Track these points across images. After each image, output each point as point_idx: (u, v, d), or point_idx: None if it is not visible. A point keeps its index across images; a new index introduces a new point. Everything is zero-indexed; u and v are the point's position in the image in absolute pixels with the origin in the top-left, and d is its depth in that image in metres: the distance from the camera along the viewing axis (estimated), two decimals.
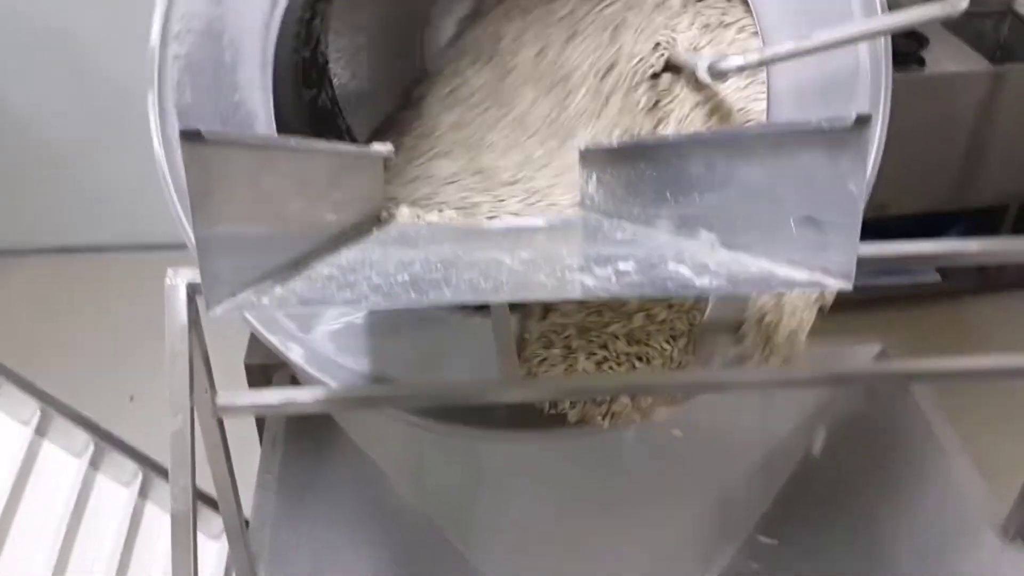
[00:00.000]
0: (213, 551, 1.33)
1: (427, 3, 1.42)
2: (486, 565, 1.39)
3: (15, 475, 1.07)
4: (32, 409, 1.13)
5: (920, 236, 0.84)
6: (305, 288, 0.63)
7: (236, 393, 0.85)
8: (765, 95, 0.93)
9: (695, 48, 0.98)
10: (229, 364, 1.19)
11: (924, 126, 2.17)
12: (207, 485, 0.99)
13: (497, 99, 1.19)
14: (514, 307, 1.05)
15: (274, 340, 1.04)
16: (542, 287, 0.64)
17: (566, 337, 1.00)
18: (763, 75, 0.94)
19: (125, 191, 2.42)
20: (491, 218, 0.99)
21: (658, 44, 0.99)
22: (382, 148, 0.97)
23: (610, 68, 1.04)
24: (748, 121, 0.95)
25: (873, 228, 0.72)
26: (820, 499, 1.19)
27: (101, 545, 1.15)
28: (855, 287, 0.62)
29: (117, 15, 2.24)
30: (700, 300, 0.98)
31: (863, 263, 0.62)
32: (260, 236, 0.67)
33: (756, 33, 0.93)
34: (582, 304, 1.00)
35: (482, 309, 1.13)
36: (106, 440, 1.20)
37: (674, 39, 0.99)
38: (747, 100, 0.97)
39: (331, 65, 1.36)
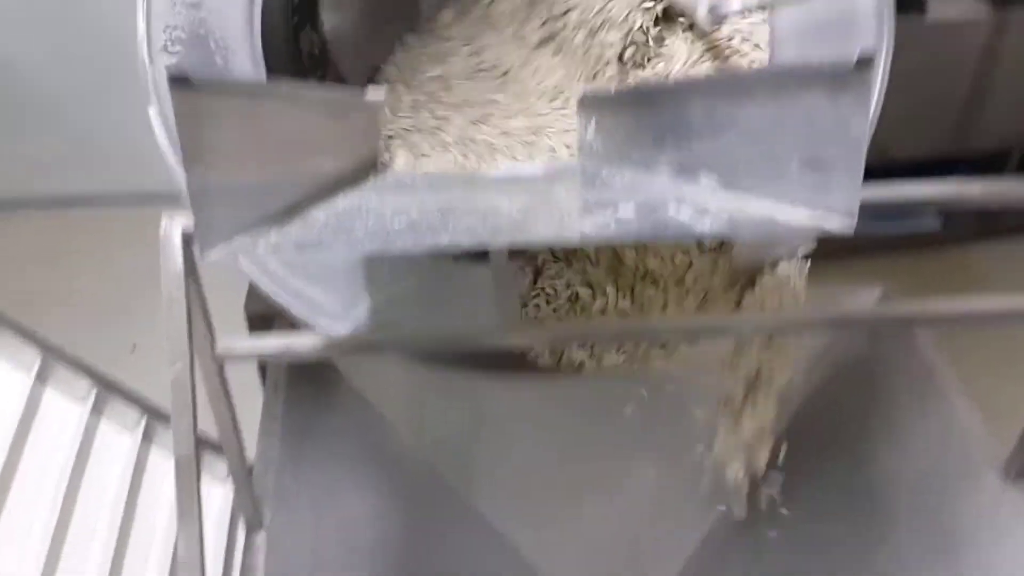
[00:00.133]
0: (219, 495, 1.34)
1: None
2: (488, 510, 1.40)
3: (17, 422, 1.08)
4: (33, 356, 1.13)
5: None
6: (301, 233, 0.62)
7: (236, 339, 0.86)
8: (766, 41, 0.92)
9: None
10: (230, 313, 1.19)
11: (926, 71, 2.15)
12: (212, 430, 0.99)
13: (492, 51, 1.17)
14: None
15: (272, 289, 1.04)
16: (541, 232, 0.64)
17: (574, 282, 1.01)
18: (764, 20, 0.92)
19: (126, 141, 2.39)
20: (489, 166, 0.98)
21: None
22: (377, 94, 0.96)
23: (607, 17, 1.03)
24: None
25: (874, 176, 0.72)
26: (821, 442, 1.19)
27: (106, 490, 1.16)
28: (856, 234, 0.62)
29: None
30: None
31: (864, 206, 0.62)
32: (254, 182, 0.66)
33: None
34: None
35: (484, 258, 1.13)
36: (108, 387, 1.21)
37: None
38: (749, 47, 0.96)
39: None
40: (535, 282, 1.08)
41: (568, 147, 0.98)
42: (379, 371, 1.19)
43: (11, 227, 2.67)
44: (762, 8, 0.88)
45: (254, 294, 1.22)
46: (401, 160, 0.92)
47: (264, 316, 1.20)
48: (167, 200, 0.72)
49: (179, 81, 0.54)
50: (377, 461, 1.28)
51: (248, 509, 1.06)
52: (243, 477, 1.03)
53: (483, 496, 1.37)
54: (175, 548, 0.93)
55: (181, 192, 0.77)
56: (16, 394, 1.11)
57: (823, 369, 1.23)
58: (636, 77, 1.01)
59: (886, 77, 0.89)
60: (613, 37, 1.01)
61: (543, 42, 1.07)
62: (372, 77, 1.24)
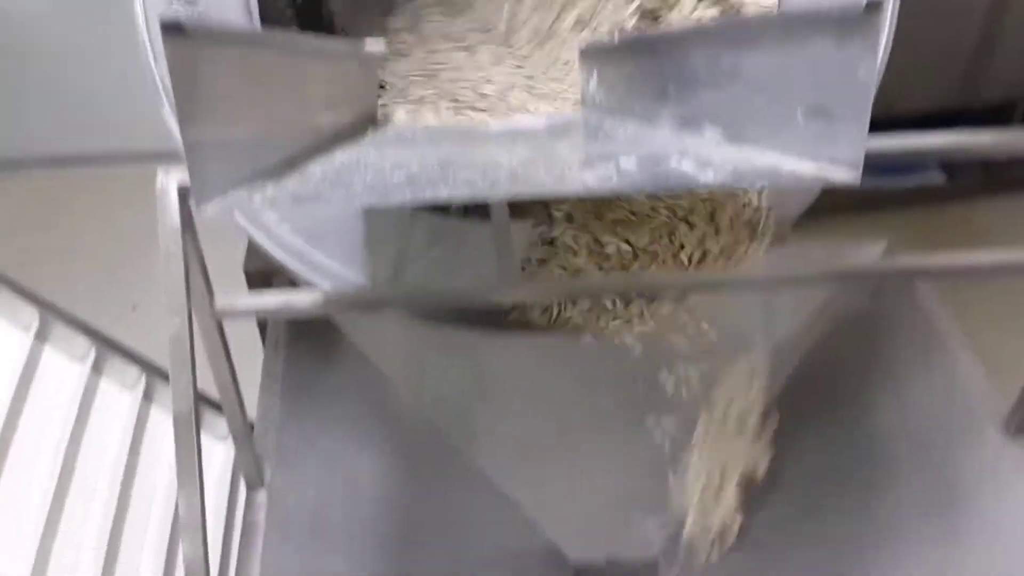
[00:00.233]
0: (219, 454, 1.34)
1: None
2: (488, 467, 1.40)
3: (16, 381, 1.07)
4: (31, 315, 1.12)
5: None
6: (298, 186, 0.62)
7: (235, 296, 0.85)
8: None
9: None
10: (231, 274, 1.19)
11: (933, 20, 2.12)
12: (212, 389, 0.99)
13: (491, 6, 1.16)
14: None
15: (272, 248, 1.04)
16: (541, 184, 0.63)
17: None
18: None
19: (126, 99, 2.37)
20: (490, 120, 0.97)
21: None
22: (376, 46, 0.94)
23: None
24: None
25: (880, 130, 0.71)
26: (822, 397, 1.19)
27: (106, 449, 1.16)
28: (860, 189, 0.61)
29: None
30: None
31: (870, 159, 0.61)
32: (250, 136, 0.65)
33: None
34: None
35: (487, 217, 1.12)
36: (108, 345, 1.20)
37: None
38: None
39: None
40: (543, 243, 1.08)
41: (571, 102, 0.97)
42: (380, 329, 1.19)
43: (11, 186, 2.65)
44: None
45: (253, 252, 1.21)
46: (401, 114, 0.90)
47: (263, 273, 1.20)
48: (171, 159, 0.72)
49: (172, 29, 0.53)
50: (378, 419, 1.28)
51: (249, 467, 1.06)
52: (243, 435, 1.03)
53: (483, 453, 1.38)
54: (176, 507, 0.93)
55: (179, 148, 0.76)
56: (15, 353, 1.10)
57: (824, 324, 1.22)
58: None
59: (894, 23, 0.88)
60: None
61: None
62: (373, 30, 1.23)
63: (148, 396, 1.26)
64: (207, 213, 0.57)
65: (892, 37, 0.88)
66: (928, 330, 1.17)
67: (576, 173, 0.64)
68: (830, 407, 1.20)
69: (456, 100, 0.96)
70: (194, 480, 0.83)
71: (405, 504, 1.27)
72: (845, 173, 0.60)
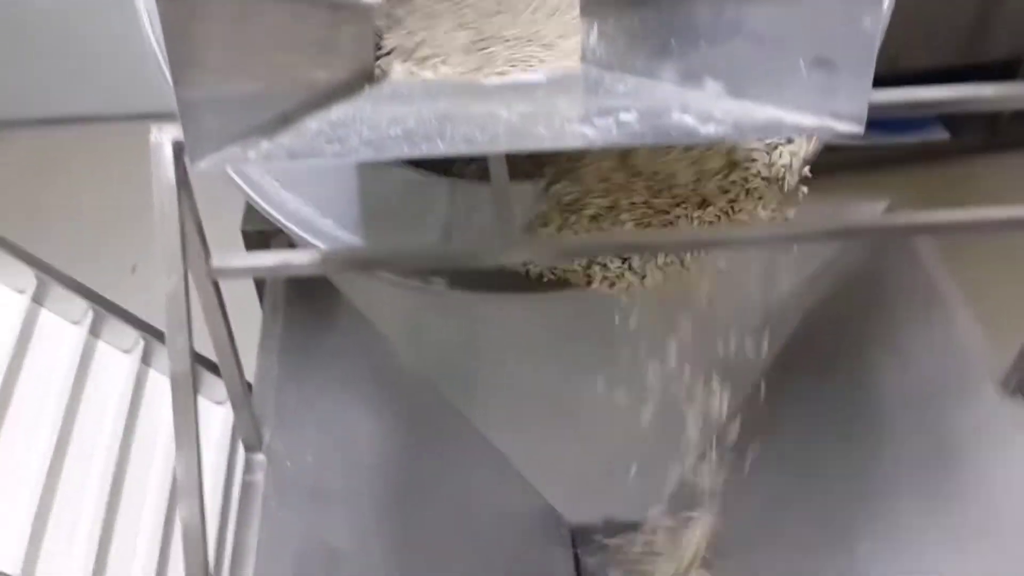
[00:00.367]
0: (218, 416, 1.34)
1: None
2: (487, 429, 1.41)
3: (13, 344, 1.07)
4: (28, 277, 1.11)
5: None
6: (293, 142, 0.61)
7: (231, 255, 0.84)
8: None
9: None
10: (228, 234, 1.18)
11: None
12: (211, 352, 0.99)
13: None
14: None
15: (266, 204, 1.03)
16: (540, 138, 0.62)
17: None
18: None
19: (124, 58, 2.35)
20: (489, 75, 0.96)
21: None
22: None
23: None
24: None
25: (884, 86, 0.70)
26: (821, 355, 1.19)
27: (104, 412, 1.16)
28: (862, 146, 0.60)
29: None
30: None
31: (873, 112, 0.60)
32: (245, 92, 0.64)
33: None
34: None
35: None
36: (105, 308, 1.19)
37: None
38: None
39: None
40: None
41: (572, 57, 0.96)
42: (378, 290, 1.18)
43: (8, 147, 2.63)
44: None
45: (251, 213, 1.21)
46: (398, 69, 0.89)
47: (262, 235, 1.19)
48: (168, 119, 0.71)
49: None
50: (377, 380, 1.28)
51: (247, 430, 1.06)
52: (241, 397, 1.02)
53: (481, 415, 1.38)
54: (175, 469, 0.93)
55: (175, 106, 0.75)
56: (12, 315, 1.09)
57: (825, 282, 1.22)
58: None
59: None
60: None
61: None
62: None
63: (146, 360, 1.26)
64: (201, 168, 0.57)
65: None
66: (928, 289, 1.17)
67: (576, 127, 0.63)
68: (829, 365, 1.20)
69: (455, 55, 0.94)
70: (192, 442, 0.82)
71: (404, 466, 1.27)
72: (848, 126, 0.60)
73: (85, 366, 1.16)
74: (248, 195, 1.03)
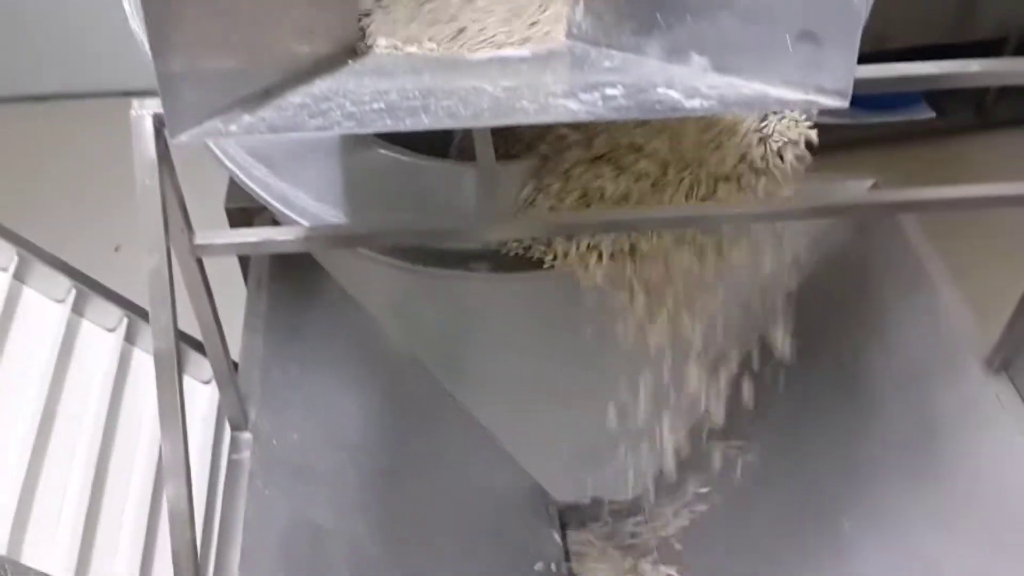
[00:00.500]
0: (204, 395, 1.34)
1: None
2: (475, 407, 1.40)
3: None
4: (9, 254, 1.10)
5: None
6: (275, 116, 0.61)
7: (214, 232, 0.84)
8: None
9: None
10: (212, 213, 1.17)
11: None
12: (195, 331, 0.98)
13: None
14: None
15: (251, 183, 1.02)
16: (524, 112, 0.62)
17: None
18: None
19: (110, 34, 2.32)
20: (474, 50, 0.95)
21: None
22: None
23: None
24: None
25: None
26: (807, 334, 1.19)
27: (89, 391, 1.15)
28: (848, 125, 0.60)
29: None
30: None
31: (858, 88, 0.60)
32: (226, 65, 0.64)
33: None
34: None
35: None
36: (89, 286, 1.19)
37: None
38: None
39: None
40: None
41: (557, 32, 0.95)
42: (362, 268, 1.18)
43: None
44: None
45: (234, 191, 1.20)
46: (382, 44, 0.88)
47: (245, 211, 1.18)
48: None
49: None
50: (363, 358, 1.28)
51: (233, 409, 1.06)
52: (226, 376, 1.02)
53: (470, 392, 1.38)
54: (161, 448, 0.93)
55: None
56: None
57: (811, 261, 1.22)
58: None
59: None
60: None
61: None
62: None
63: (130, 339, 1.25)
64: (181, 142, 0.56)
65: None
66: (915, 268, 1.17)
67: (561, 101, 0.63)
68: (815, 344, 1.20)
69: (439, 31, 0.93)
70: (176, 421, 0.82)
71: (390, 444, 1.27)
72: (834, 100, 0.60)
73: (69, 344, 1.15)
74: (231, 171, 1.02)
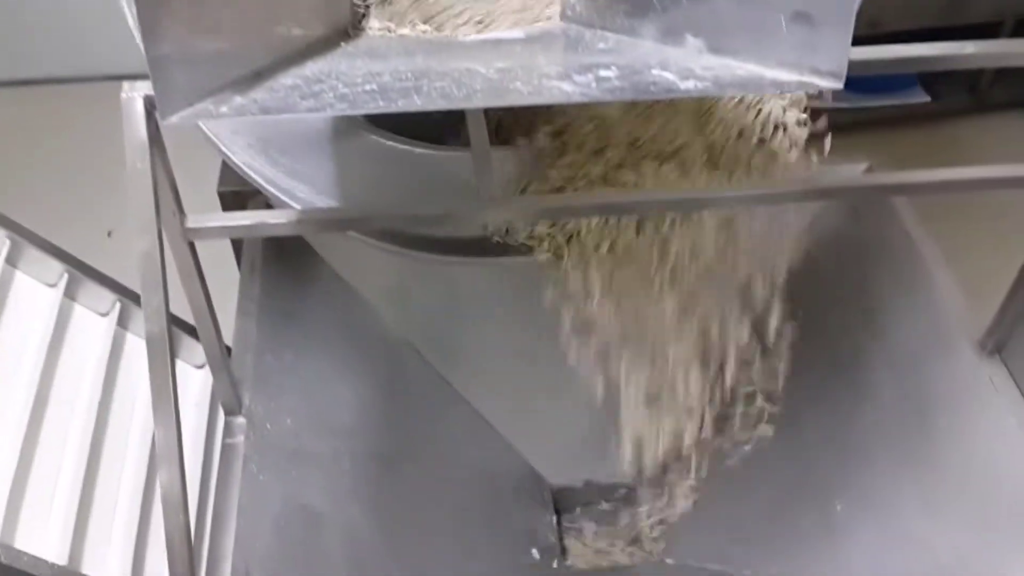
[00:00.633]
0: (198, 380, 1.33)
1: None
2: (469, 391, 1.40)
3: None
4: (1, 239, 1.10)
5: None
6: (266, 97, 0.60)
7: (206, 216, 0.83)
8: None
9: None
10: (206, 199, 1.16)
11: None
12: (189, 315, 0.98)
13: None
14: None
15: (243, 166, 1.02)
16: (518, 94, 0.61)
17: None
18: None
19: (98, 19, 2.31)
20: (467, 32, 0.95)
21: None
22: None
23: None
24: None
25: None
26: (803, 317, 1.19)
27: (82, 375, 1.15)
28: (843, 109, 0.60)
29: None
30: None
31: (853, 70, 0.60)
32: (217, 47, 0.63)
33: None
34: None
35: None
36: (81, 271, 1.18)
37: None
38: None
39: None
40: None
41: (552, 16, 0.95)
42: (357, 252, 1.17)
43: None
44: None
45: (227, 175, 1.19)
46: (375, 26, 0.88)
47: (238, 195, 1.18)
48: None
49: None
50: (356, 342, 1.28)
51: (226, 393, 1.06)
52: (219, 360, 1.02)
53: (463, 377, 1.38)
54: (154, 433, 0.93)
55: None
56: None
57: (804, 246, 1.22)
58: None
59: None
60: None
61: None
62: None
63: (123, 323, 1.25)
64: (172, 123, 0.56)
65: None
66: (909, 251, 1.17)
67: (554, 83, 0.62)
68: (809, 327, 1.20)
69: (433, 13, 0.93)
70: (169, 404, 0.82)
71: (384, 428, 1.27)
72: (828, 82, 0.59)
73: (61, 329, 1.15)
74: (224, 154, 1.02)
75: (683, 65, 0.64)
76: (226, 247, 1.29)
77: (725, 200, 0.90)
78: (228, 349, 1.11)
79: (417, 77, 0.64)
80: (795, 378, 1.24)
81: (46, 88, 2.66)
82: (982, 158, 0.91)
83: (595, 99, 0.61)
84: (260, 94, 0.61)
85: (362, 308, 1.29)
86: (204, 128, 0.98)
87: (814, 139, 1.03)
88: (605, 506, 1.51)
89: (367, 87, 0.62)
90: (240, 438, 1.06)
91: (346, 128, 1.07)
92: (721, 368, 1.23)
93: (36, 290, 1.14)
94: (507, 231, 1.07)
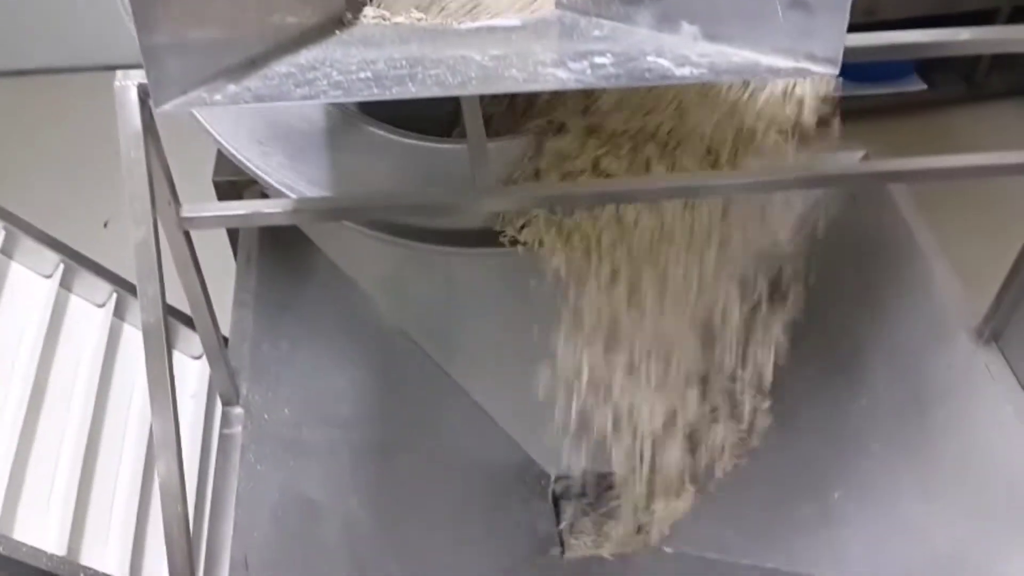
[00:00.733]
0: (195, 371, 1.33)
1: None
2: (466, 381, 1.40)
3: None
4: None
5: None
6: (260, 85, 0.60)
7: (201, 205, 0.83)
8: None
9: None
10: (202, 190, 1.16)
11: None
12: (186, 306, 0.97)
13: None
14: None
15: (239, 154, 1.01)
16: (513, 81, 0.61)
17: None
18: None
19: (93, 9, 2.30)
20: (462, 20, 0.94)
21: None
22: None
23: None
24: None
25: None
26: (798, 306, 1.19)
27: (78, 366, 1.15)
28: (840, 97, 0.60)
29: None
30: None
31: (849, 57, 0.60)
32: (211, 36, 0.63)
33: None
34: None
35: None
36: (76, 261, 1.18)
37: None
38: None
39: None
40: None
41: (547, 4, 0.94)
42: (353, 242, 1.17)
43: None
44: None
45: (222, 164, 1.19)
46: (370, 14, 0.88)
47: (233, 185, 1.17)
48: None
49: None
50: (353, 332, 1.28)
51: (223, 383, 1.06)
52: (216, 350, 1.02)
53: (460, 366, 1.38)
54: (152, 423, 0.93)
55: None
56: None
57: (801, 234, 1.22)
58: None
59: None
60: None
61: None
62: None
63: (120, 314, 1.24)
64: (165, 111, 0.56)
65: None
66: (905, 239, 1.17)
67: (549, 70, 0.62)
68: (806, 315, 1.21)
69: (427, 1, 0.93)
70: (166, 394, 0.82)
71: (381, 418, 1.27)
72: (824, 68, 0.59)
73: (57, 320, 1.14)
74: (219, 143, 1.01)
75: (679, 52, 0.64)
76: (223, 237, 1.29)
77: (722, 188, 0.90)
78: (225, 339, 1.11)
79: (412, 64, 0.64)
80: (791, 367, 1.24)
81: (42, 78, 2.66)
82: (978, 146, 0.91)
83: (590, 85, 0.61)
84: (254, 82, 0.60)
85: (359, 298, 1.28)
86: (200, 119, 0.98)
87: (821, 126, 1.03)
88: (603, 495, 1.51)
89: (361, 75, 0.61)
90: (238, 428, 1.06)
91: (343, 121, 1.07)
92: (718, 356, 1.23)
93: (32, 281, 1.14)
94: (503, 219, 1.08)
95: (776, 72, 0.60)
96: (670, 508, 1.40)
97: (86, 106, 2.45)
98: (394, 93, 0.58)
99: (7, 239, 1.10)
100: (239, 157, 1.03)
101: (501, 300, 1.28)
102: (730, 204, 1.06)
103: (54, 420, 1.09)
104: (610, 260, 1.10)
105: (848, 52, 0.59)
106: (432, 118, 1.10)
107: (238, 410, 1.07)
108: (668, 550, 1.40)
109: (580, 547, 1.47)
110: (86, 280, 1.19)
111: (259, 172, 1.03)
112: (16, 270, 1.12)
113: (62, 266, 1.16)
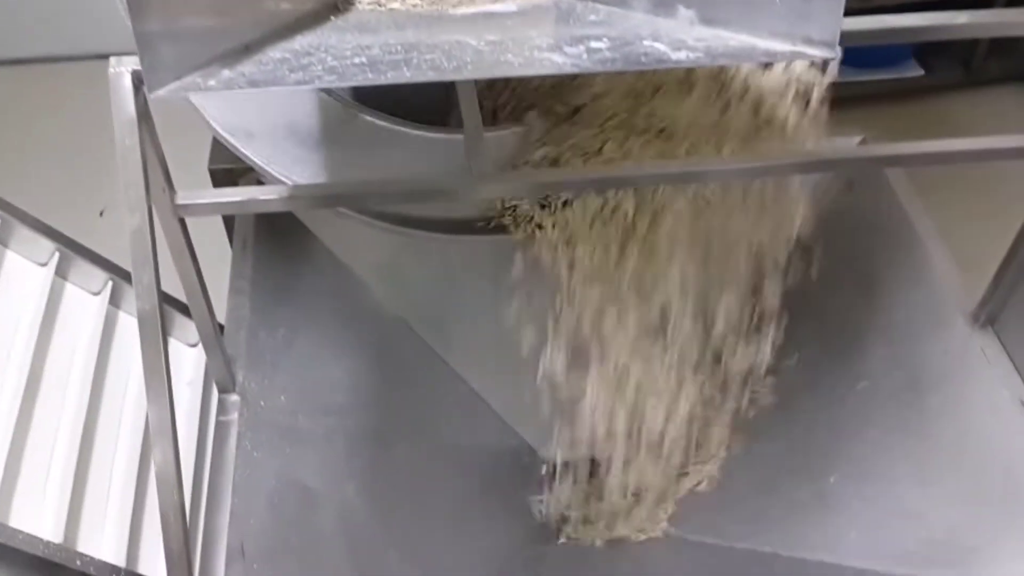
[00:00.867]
0: (191, 358, 1.33)
1: None
2: (463, 367, 1.40)
3: None
4: None
5: None
6: (254, 71, 0.60)
7: (196, 192, 0.83)
8: None
9: None
10: (198, 178, 1.16)
11: None
12: (182, 293, 0.97)
13: None
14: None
15: (234, 141, 1.01)
16: (508, 65, 0.61)
17: None
18: None
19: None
20: (457, 5, 0.94)
21: None
22: None
23: None
24: None
25: None
26: (795, 290, 1.19)
27: (74, 354, 1.15)
28: (837, 83, 0.59)
29: None
30: None
31: (846, 40, 0.60)
32: (204, 22, 0.63)
33: None
34: None
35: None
36: (72, 249, 1.18)
37: None
38: None
39: None
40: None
41: None
42: (349, 229, 1.17)
43: None
44: None
45: (218, 151, 1.18)
46: (365, 0, 0.87)
47: (229, 172, 1.17)
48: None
49: None
50: (349, 319, 1.27)
51: (220, 371, 1.06)
52: (212, 337, 1.02)
53: (457, 354, 1.37)
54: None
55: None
56: None
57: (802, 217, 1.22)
58: None
59: None
60: None
61: None
62: None
63: (115, 302, 1.24)
64: (159, 97, 0.55)
65: None
66: (902, 224, 1.17)
67: (545, 54, 0.62)
68: (804, 299, 1.21)
69: None
70: (162, 381, 0.81)
71: (377, 404, 1.27)
72: (820, 51, 0.59)
73: (53, 308, 1.14)
74: (215, 130, 1.01)
75: (675, 36, 0.64)
76: (218, 224, 1.29)
77: (719, 173, 0.90)
78: (221, 327, 1.11)
79: (407, 50, 0.64)
80: (788, 351, 1.24)
81: (38, 67, 2.65)
82: (976, 132, 0.91)
83: (586, 70, 0.61)
84: (248, 67, 0.60)
85: (356, 285, 1.28)
86: (196, 105, 0.97)
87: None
88: (599, 481, 1.51)
89: (356, 60, 0.61)
90: (234, 415, 1.05)
91: (339, 110, 1.07)
92: (716, 340, 1.23)
93: (27, 269, 1.14)
94: (503, 205, 1.07)
95: (773, 56, 0.60)
96: (666, 493, 1.41)
97: (82, 95, 2.45)
98: (389, 78, 0.58)
99: (2, 227, 1.10)
100: (234, 144, 1.02)
101: (496, 286, 1.28)
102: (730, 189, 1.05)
103: (50, 408, 1.09)
104: (604, 247, 1.10)
105: (845, 36, 0.59)
106: (429, 108, 1.09)
107: (234, 397, 1.07)
108: (664, 535, 1.41)
109: (577, 532, 1.47)
110: (82, 268, 1.19)
111: (254, 159, 1.03)
112: (11, 258, 1.12)
113: (58, 254, 1.16)
